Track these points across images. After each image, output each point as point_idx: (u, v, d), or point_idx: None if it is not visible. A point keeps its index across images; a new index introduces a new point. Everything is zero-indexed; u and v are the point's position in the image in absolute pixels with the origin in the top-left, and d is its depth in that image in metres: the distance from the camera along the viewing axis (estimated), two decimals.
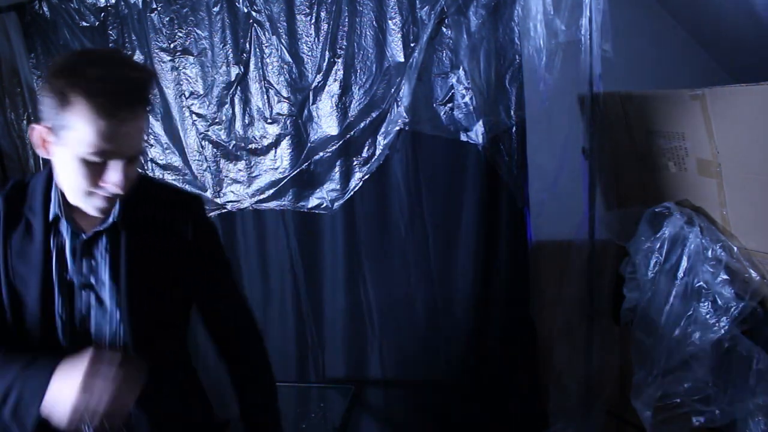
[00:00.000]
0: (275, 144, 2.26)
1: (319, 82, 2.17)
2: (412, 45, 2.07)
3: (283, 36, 2.16)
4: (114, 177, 1.00)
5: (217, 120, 2.29)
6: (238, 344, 1.32)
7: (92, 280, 1.12)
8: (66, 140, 0.98)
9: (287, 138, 2.24)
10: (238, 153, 2.30)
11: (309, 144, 2.22)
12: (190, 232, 1.19)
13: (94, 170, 1.00)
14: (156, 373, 1.11)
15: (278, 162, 2.27)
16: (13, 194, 1.13)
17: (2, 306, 1.11)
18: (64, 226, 1.11)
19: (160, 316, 1.18)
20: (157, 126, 2.33)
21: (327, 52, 2.13)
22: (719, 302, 1.55)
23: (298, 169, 2.25)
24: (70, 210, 1.11)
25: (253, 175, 2.30)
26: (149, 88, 1.00)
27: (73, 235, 1.11)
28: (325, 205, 2.26)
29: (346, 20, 2.10)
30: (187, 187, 2.34)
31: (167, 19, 2.24)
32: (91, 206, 1.06)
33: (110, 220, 1.11)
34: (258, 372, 1.33)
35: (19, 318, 1.11)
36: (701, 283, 1.60)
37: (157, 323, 1.17)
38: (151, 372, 1.07)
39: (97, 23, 2.30)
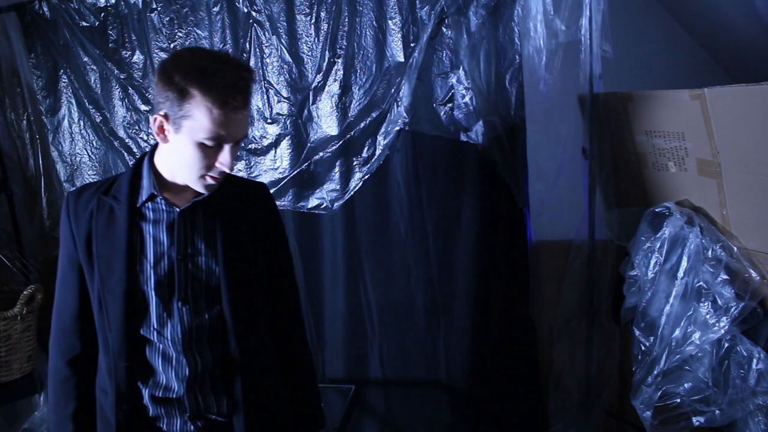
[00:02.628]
0: (275, 144, 2.26)
1: (319, 82, 2.17)
2: (412, 45, 2.07)
3: (283, 36, 2.16)
4: (225, 158, 1.18)
5: None
6: (286, 333, 1.45)
7: (190, 250, 1.26)
8: (184, 128, 1.14)
9: (287, 138, 2.24)
10: (238, 153, 2.29)
11: (309, 144, 2.22)
12: (263, 214, 1.37)
13: (209, 153, 1.17)
14: (253, 362, 1.30)
15: (278, 162, 2.27)
16: (102, 187, 1.30)
17: (83, 285, 1.28)
18: (159, 203, 1.25)
19: (251, 283, 1.32)
20: None
21: (327, 52, 2.13)
22: (719, 302, 1.55)
23: (298, 169, 2.25)
24: (163, 190, 1.26)
25: (253, 175, 2.30)
26: (253, 81, 1.18)
27: (168, 212, 1.25)
28: (325, 205, 2.26)
29: (346, 20, 2.10)
30: None
31: (167, 19, 2.24)
32: (201, 185, 1.22)
33: (205, 194, 1.25)
34: (300, 355, 1.49)
35: (103, 298, 1.24)
36: (701, 283, 1.60)
37: (249, 291, 1.31)
38: (249, 361, 1.28)
39: (97, 23, 2.29)
